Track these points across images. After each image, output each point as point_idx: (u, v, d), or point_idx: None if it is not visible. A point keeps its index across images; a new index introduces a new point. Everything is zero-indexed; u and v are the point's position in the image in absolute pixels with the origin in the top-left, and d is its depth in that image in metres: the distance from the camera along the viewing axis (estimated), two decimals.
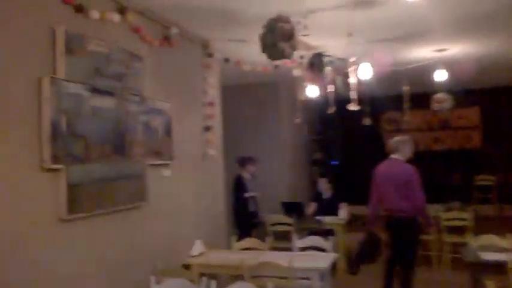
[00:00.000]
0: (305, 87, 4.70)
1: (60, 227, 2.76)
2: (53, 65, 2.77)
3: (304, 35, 3.48)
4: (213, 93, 5.00)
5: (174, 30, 4.17)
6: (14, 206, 2.49)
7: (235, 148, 6.67)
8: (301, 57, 4.25)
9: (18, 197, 2.51)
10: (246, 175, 6.03)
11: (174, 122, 4.16)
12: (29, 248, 2.56)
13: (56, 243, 2.74)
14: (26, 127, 2.58)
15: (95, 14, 3.13)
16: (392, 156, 4.67)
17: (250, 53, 5.31)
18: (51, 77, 2.69)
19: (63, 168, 2.77)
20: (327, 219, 5.84)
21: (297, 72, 4.08)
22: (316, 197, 6.45)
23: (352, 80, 4.19)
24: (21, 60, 2.57)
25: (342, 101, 4.73)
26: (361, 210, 8.41)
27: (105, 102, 3.21)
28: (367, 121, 5.84)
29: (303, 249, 4.50)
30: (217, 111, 5.18)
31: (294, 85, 5.66)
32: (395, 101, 7.12)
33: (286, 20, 2.84)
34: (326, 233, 5.54)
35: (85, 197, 2.95)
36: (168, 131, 4.04)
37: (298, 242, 4.58)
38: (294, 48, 2.84)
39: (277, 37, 2.77)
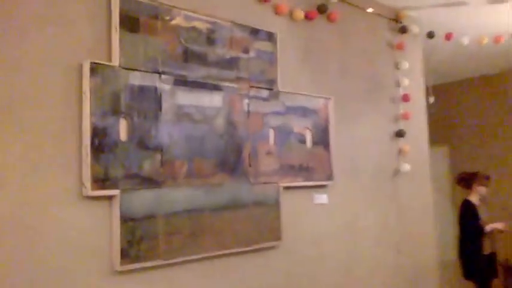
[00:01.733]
0: None
1: (110, 282, 1.88)
2: (107, 47, 1.95)
3: None
4: (409, 83, 3.47)
5: None
6: (43, 249, 1.73)
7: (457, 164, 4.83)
8: None
9: (47, 238, 1.75)
10: (474, 199, 4.15)
11: (336, 125, 2.89)
12: None
13: None
14: (60, 137, 1.81)
15: None
16: None
17: (472, 23, 3.57)
18: (92, 64, 1.87)
19: (116, 195, 1.90)
20: None
21: None
22: None
23: None
24: (58, 42, 1.83)
25: None
26: None
27: (205, 100, 2.24)
28: None
29: None
30: (420, 109, 3.62)
31: None
32: None
33: None
34: None
35: (159, 237, 2.02)
36: (323, 139, 2.80)
37: None
38: None
39: None
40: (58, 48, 1.83)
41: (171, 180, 2.08)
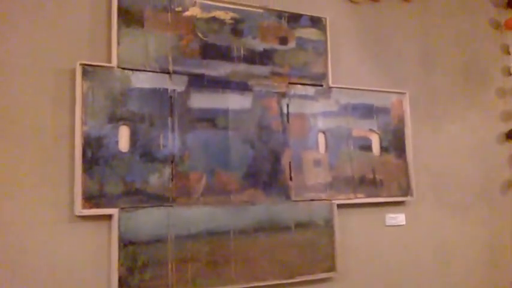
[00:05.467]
0: None
1: None
2: (107, 46, 1.73)
3: None
4: None
5: None
6: (26, 276, 1.54)
7: None
8: None
9: (32, 262, 1.55)
10: None
11: (415, 126, 2.32)
12: None
13: None
14: (51, 148, 1.62)
15: None
16: None
17: None
18: (84, 66, 1.65)
19: (114, 214, 1.64)
20: None
21: None
22: None
23: None
24: (51, 41, 1.66)
25: None
26: None
27: (229, 101, 1.89)
28: None
29: None
30: None
31: None
32: None
33: None
34: None
35: (169, 264, 1.70)
36: (397, 144, 2.25)
37: None
38: None
39: None
40: (50, 48, 1.65)
41: (185, 196, 1.77)
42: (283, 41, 2.04)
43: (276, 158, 1.96)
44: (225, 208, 1.83)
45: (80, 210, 1.59)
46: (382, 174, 2.19)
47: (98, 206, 1.62)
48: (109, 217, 1.65)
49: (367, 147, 2.18)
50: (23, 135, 1.58)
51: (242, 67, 1.94)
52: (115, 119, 1.68)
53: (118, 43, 1.71)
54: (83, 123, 1.62)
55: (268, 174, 1.93)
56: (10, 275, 1.52)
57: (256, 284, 1.84)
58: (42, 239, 1.57)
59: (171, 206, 1.74)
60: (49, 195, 1.59)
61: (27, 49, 1.62)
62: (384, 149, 2.22)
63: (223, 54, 1.91)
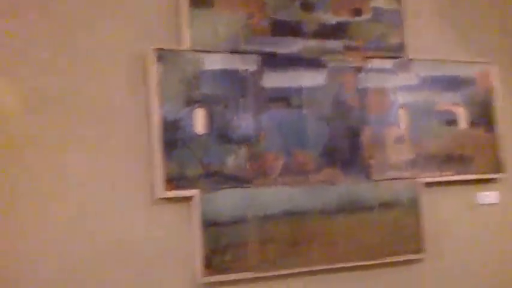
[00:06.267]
0: None
1: None
2: (177, 29, 1.73)
3: None
4: None
5: None
6: (109, 259, 1.59)
7: None
8: None
9: (115, 246, 1.60)
10: None
11: (505, 98, 2.13)
12: None
13: None
14: (128, 132, 1.65)
15: None
16: None
17: None
18: (158, 50, 1.66)
19: (195, 196, 1.65)
20: None
21: None
22: None
23: None
24: (124, 29, 1.69)
25: None
26: None
27: (303, 78, 1.84)
28: None
29: None
30: None
31: None
32: None
33: None
34: None
35: (249, 245, 1.68)
36: (484, 118, 2.08)
37: None
38: None
39: None
40: (124, 36, 1.68)
41: (262, 177, 1.74)
42: (357, 12, 1.95)
43: (354, 136, 1.88)
44: (303, 188, 1.78)
45: (163, 192, 1.61)
46: (471, 150, 2.03)
47: (179, 188, 1.63)
48: (188, 199, 1.66)
49: (452, 122, 2.03)
50: (102, 122, 1.63)
51: (314, 43, 1.87)
52: (190, 102, 1.69)
53: (189, 25, 1.71)
54: (160, 107, 1.64)
55: (346, 152, 1.86)
56: (93, 256, 1.57)
57: (338, 265, 1.78)
58: (126, 222, 1.61)
59: (248, 187, 1.71)
60: (130, 180, 1.63)
61: (103, 37, 1.66)
62: (471, 123, 2.06)
63: (294, 30, 1.85)
